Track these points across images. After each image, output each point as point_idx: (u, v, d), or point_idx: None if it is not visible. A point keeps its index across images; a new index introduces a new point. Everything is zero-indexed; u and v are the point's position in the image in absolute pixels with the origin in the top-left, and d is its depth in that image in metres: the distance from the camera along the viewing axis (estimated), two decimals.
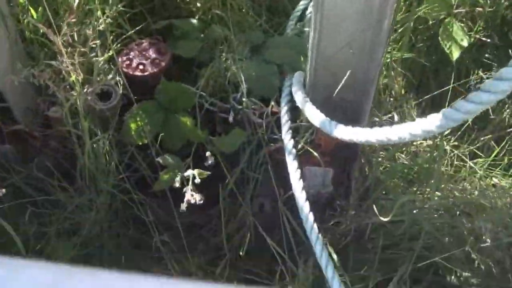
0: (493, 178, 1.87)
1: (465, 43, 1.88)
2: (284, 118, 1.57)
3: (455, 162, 1.88)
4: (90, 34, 1.41)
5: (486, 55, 2.05)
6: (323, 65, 1.38)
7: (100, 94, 1.56)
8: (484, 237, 1.53)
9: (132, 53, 1.66)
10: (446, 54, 1.94)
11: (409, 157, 1.88)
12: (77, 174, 1.62)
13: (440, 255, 1.62)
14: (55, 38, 1.37)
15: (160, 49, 1.68)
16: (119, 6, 1.65)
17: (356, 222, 1.66)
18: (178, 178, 1.53)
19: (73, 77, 1.38)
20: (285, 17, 2.06)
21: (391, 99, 1.98)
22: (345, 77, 1.36)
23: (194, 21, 1.83)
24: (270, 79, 1.67)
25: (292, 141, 1.53)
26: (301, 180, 1.48)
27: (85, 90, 1.44)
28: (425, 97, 1.94)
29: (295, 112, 1.59)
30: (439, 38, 1.90)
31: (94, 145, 1.54)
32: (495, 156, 1.81)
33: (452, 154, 1.86)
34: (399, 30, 1.92)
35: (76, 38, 1.43)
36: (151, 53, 1.66)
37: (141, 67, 1.63)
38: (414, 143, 1.88)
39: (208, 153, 1.56)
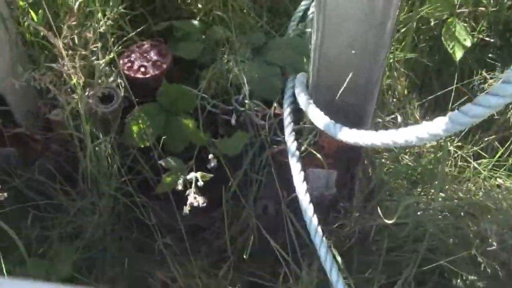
0: (498, 179, 1.85)
1: (468, 43, 1.87)
2: (287, 120, 1.56)
3: (459, 163, 1.87)
4: (90, 37, 1.39)
5: (489, 55, 2.04)
6: (326, 66, 1.37)
7: (102, 97, 1.55)
8: (490, 240, 1.52)
9: (133, 55, 1.65)
10: (449, 54, 1.93)
11: (413, 158, 1.87)
12: (79, 177, 1.62)
13: (445, 257, 1.61)
14: (56, 41, 1.36)
15: (162, 51, 1.67)
16: (120, 8, 1.64)
17: (360, 224, 1.65)
18: (180, 181, 1.52)
19: (74, 80, 1.37)
20: (286, 17, 2.05)
21: (394, 99, 1.97)
22: (348, 79, 1.35)
23: (195, 22, 1.82)
24: (272, 80, 1.65)
25: (295, 143, 1.52)
26: (305, 182, 1.47)
27: (86, 93, 1.43)
28: (428, 97, 1.93)
29: (298, 113, 1.58)
30: (442, 38, 1.89)
31: (96, 148, 1.54)
32: (499, 156, 1.80)
33: (456, 154, 1.85)
34: (402, 30, 1.91)
35: (76, 41, 1.42)
36: (153, 55, 1.65)
37: (142, 69, 1.62)
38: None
39: (210, 156, 1.55)
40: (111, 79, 1.53)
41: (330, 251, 1.40)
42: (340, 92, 1.37)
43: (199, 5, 1.86)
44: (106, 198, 1.61)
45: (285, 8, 2.08)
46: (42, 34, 1.45)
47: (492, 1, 1.93)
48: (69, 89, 1.40)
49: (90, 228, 1.64)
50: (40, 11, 1.54)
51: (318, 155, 1.54)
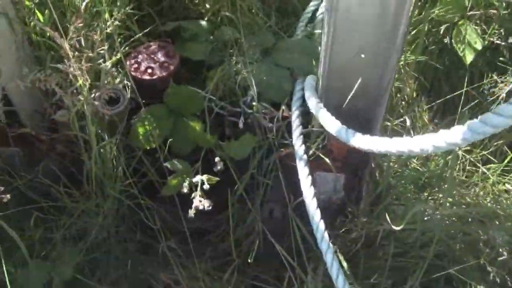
0: (506, 184, 1.84)
1: (479, 46, 1.85)
2: (295, 123, 1.54)
3: (467, 167, 1.85)
4: (97, 39, 1.37)
5: (501, 58, 2.01)
6: (336, 71, 1.35)
7: (108, 99, 1.53)
8: (499, 249, 1.50)
9: (140, 56, 1.63)
10: (458, 57, 1.91)
11: (421, 162, 1.85)
12: (84, 179, 1.60)
13: (452, 263, 1.60)
14: (62, 42, 1.34)
15: (169, 52, 1.65)
16: (127, 8, 1.62)
17: (367, 229, 1.63)
18: (186, 184, 1.51)
19: (80, 82, 1.35)
20: (294, 18, 2.03)
21: (403, 102, 1.95)
22: (358, 84, 1.33)
23: (203, 22, 1.80)
24: (281, 83, 1.63)
25: (303, 147, 1.50)
26: (312, 187, 1.45)
27: (92, 95, 1.41)
28: (438, 101, 1.91)
29: (306, 116, 1.56)
30: (453, 41, 1.87)
31: (101, 150, 1.52)
32: (508, 162, 1.78)
33: (464, 159, 1.83)
34: (412, 33, 1.88)
35: (83, 42, 1.40)
36: (160, 57, 1.63)
37: (149, 70, 1.60)
38: None
39: (217, 159, 1.54)
40: (118, 80, 1.50)
41: (337, 257, 1.38)
42: (350, 96, 1.35)
43: (207, 5, 1.84)
44: (110, 200, 1.60)
45: (294, 8, 2.06)
46: (48, 34, 1.43)
47: (504, 4, 1.90)
48: (75, 91, 1.38)
49: (94, 230, 1.62)
50: (46, 11, 1.52)
51: (326, 159, 1.53)
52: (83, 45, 1.39)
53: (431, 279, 1.59)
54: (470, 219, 1.73)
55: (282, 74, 1.66)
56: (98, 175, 1.55)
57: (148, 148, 1.58)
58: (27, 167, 1.71)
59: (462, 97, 1.84)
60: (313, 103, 1.43)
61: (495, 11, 1.91)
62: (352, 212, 1.65)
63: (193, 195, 1.49)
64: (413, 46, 1.88)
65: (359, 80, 1.33)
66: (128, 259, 1.71)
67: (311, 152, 1.53)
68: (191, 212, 1.47)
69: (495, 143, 1.89)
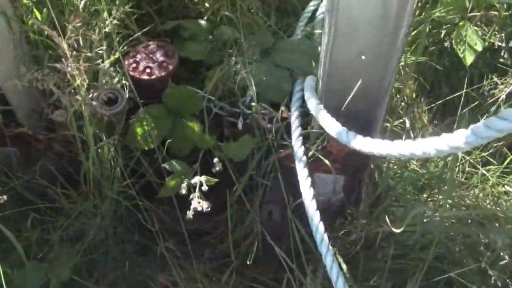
0: (506, 186, 1.83)
1: (479, 48, 1.84)
2: (295, 124, 1.53)
3: (467, 169, 1.84)
4: (95, 39, 1.36)
5: (501, 60, 2.01)
6: (336, 72, 1.34)
7: (107, 99, 1.51)
8: (500, 253, 1.49)
9: (139, 56, 1.62)
10: (458, 58, 1.90)
11: (420, 163, 1.84)
12: (81, 179, 1.59)
13: (452, 266, 1.59)
14: (60, 41, 1.33)
15: (168, 52, 1.63)
16: (126, 7, 1.61)
17: (366, 231, 1.62)
18: (184, 185, 1.50)
19: (78, 81, 1.34)
20: (294, 17, 2.02)
21: (402, 103, 1.94)
22: (359, 85, 1.32)
23: (203, 22, 1.78)
24: (281, 83, 1.62)
25: (302, 148, 1.49)
26: (312, 188, 1.44)
27: (90, 95, 1.40)
28: (437, 102, 1.90)
29: (306, 117, 1.55)
30: (453, 42, 1.86)
31: (99, 150, 1.50)
32: (508, 163, 1.77)
33: (463, 160, 1.83)
34: (412, 33, 1.87)
35: (81, 42, 1.38)
36: (159, 56, 1.62)
37: (148, 70, 1.59)
38: None
39: (216, 160, 1.53)
40: (116, 80, 1.49)
41: (336, 260, 1.37)
42: (350, 97, 1.34)
43: (207, 5, 1.82)
44: (108, 201, 1.58)
45: (293, 8, 2.05)
46: (46, 33, 1.42)
47: (505, 5, 1.89)
48: (72, 91, 1.36)
49: (92, 231, 1.61)
50: (44, 9, 1.50)
51: (326, 161, 1.52)
52: (81, 44, 1.38)
53: (431, 282, 1.58)
54: (469, 221, 1.72)
55: (282, 75, 1.65)
56: (96, 175, 1.53)
57: (146, 148, 1.57)
58: (24, 166, 1.70)
59: (462, 99, 1.83)
60: (313, 104, 1.42)
61: (495, 13, 1.90)
62: (352, 214, 1.64)
63: (191, 196, 1.48)
64: (413, 47, 1.87)
65: (359, 82, 1.32)
66: (126, 260, 1.70)
67: (310, 153, 1.52)
68: (190, 214, 1.46)
69: (495, 145, 1.88)
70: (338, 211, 1.66)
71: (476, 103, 1.88)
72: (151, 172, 1.60)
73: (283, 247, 1.61)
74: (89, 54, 1.35)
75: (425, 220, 1.66)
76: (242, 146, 1.56)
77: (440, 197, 1.73)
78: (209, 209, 1.46)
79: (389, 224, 1.49)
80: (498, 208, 1.75)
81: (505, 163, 1.78)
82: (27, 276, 1.55)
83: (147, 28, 1.70)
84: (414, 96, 1.99)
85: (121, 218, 1.68)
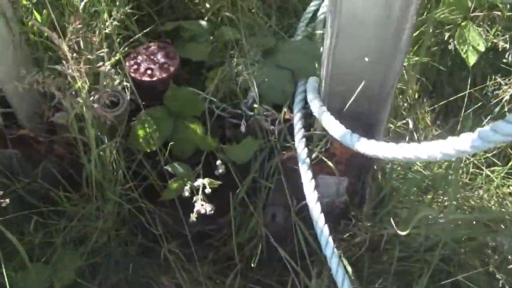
0: (510, 187, 1.82)
1: (482, 48, 1.83)
2: (297, 125, 1.51)
3: (471, 170, 1.83)
4: (96, 41, 1.34)
5: (504, 60, 1.99)
6: (340, 73, 1.33)
7: (110, 103, 1.50)
8: (508, 256, 1.48)
9: (140, 57, 1.60)
10: (461, 58, 1.88)
11: (424, 165, 1.83)
12: (83, 182, 1.57)
13: (458, 268, 1.58)
14: (60, 42, 1.31)
15: (169, 53, 1.62)
16: (126, 8, 1.59)
17: (371, 233, 1.61)
18: (187, 187, 1.48)
19: (79, 83, 1.33)
20: (295, 18, 2.01)
21: (405, 104, 1.93)
22: (362, 87, 1.31)
23: (203, 22, 1.77)
24: (283, 85, 1.61)
25: (306, 150, 1.48)
26: (315, 191, 1.43)
27: (91, 98, 1.38)
28: (440, 103, 1.89)
29: (309, 118, 1.54)
30: (455, 42, 1.85)
31: (101, 153, 1.49)
32: None
33: (468, 161, 1.81)
34: (415, 34, 1.86)
35: (82, 44, 1.37)
36: (160, 58, 1.60)
37: (149, 72, 1.57)
38: None
39: (218, 162, 1.51)
40: (117, 81, 1.47)
41: (342, 262, 1.36)
42: (353, 99, 1.33)
43: (207, 5, 1.81)
44: (111, 203, 1.57)
45: (294, 7, 2.04)
46: (46, 34, 1.40)
47: (508, 5, 1.88)
48: (73, 93, 1.35)
49: (95, 234, 1.59)
50: (44, 11, 1.49)
51: (329, 163, 1.50)
52: (82, 46, 1.36)
53: (437, 285, 1.56)
54: (474, 222, 1.71)
55: (284, 76, 1.63)
56: (98, 178, 1.52)
57: (148, 151, 1.55)
58: (25, 168, 1.69)
59: (466, 99, 1.82)
60: (316, 106, 1.41)
61: (498, 13, 1.89)
62: (356, 216, 1.63)
63: (194, 199, 1.47)
64: (415, 47, 1.85)
65: (362, 83, 1.31)
66: (129, 262, 1.69)
67: (313, 155, 1.51)
68: (193, 217, 1.45)
69: (499, 146, 1.87)
70: (341, 213, 1.64)
71: (479, 104, 1.87)
72: (153, 175, 1.59)
73: (287, 249, 1.60)
74: (90, 56, 1.33)
75: (429, 222, 1.65)
76: (245, 149, 1.54)
77: (445, 198, 1.71)
78: (212, 211, 1.45)
79: (394, 227, 1.47)
80: (503, 210, 1.74)
81: (510, 164, 1.77)
82: (31, 279, 1.54)
83: (148, 29, 1.68)
84: (416, 96, 1.97)
85: (123, 220, 1.67)
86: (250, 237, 1.67)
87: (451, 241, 1.59)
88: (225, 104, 1.62)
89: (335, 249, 1.36)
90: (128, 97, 1.52)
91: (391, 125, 1.80)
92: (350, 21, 1.22)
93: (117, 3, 1.58)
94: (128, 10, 1.62)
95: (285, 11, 2.04)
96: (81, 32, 1.38)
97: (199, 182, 1.48)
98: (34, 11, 1.52)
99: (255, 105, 1.57)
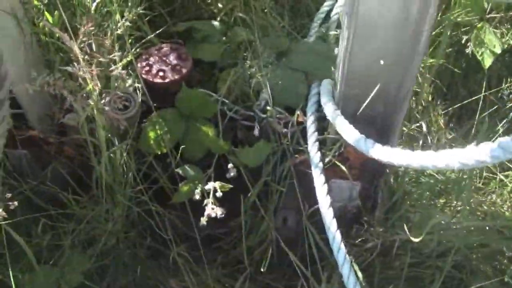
0: None
1: (498, 50, 1.80)
2: (311, 129, 1.49)
3: (484, 174, 1.80)
4: (108, 44, 1.33)
5: None
6: (355, 77, 1.31)
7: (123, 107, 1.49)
8: None
9: (152, 59, 1.59)
10: (476, 60, 1.85)
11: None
12: (93, 184, 1.56)
13: (470, 275, 1.55)
14: (72, 44, 1.30)
15: (181, 54, 1.60)
16: (138, 8, 1.57)
17: (383, 238, 1.58)
18: (198, 191, 1.47)
19: (90, 86, 1.31)
20: (308, 18, 1.99)
21: (419, 106, 1.90)
22: (378, 90, 1.29)
23: (216, 23, 1.75)
24: (296, 87, 1.59)
25: (319, 154, 1.46)
26: (328, 196, 1.41)
27: (102, 101, 1.37)
28: (455, 106, 1.86)
29: (322, 121, 1.52)
30: (471, 44, 1.82)
31: (111, 155, 1.48)
32: None
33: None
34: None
35: (94, 47, 1.35)
36: (172, 59, 1.59)
37: (161, 73, 1.56)
38: None
39: (230, 165, 1.49)
40: (129, 83, 1.46)
41: (353, 269, 1.34)
42: (368, 102, 1.31)
43: (220, 5, 1.79)
44: (120, 206, 1.55)
45: (307, 8, 2.02)
46: (57, 35, 1.39)
47: None
48: (84, 95, 1.33)
49: (104, 237, 1.58)
50: (55, 11, 1.47)
51: (343, 167, 1.48)
52: (94, 49, 1.35)
53: None
54: (487, 228, 1.68)
55: (297, 78, 1.61)
56: (108, 181, 1.51)
57: (159, 153, 1.54)
58: (35, 169, 1.68)
59: (480, 102, 1.79)
60: (330, 109, 1.39)
61: None
62: (368, 221, 1.60)
63: (205, 202, 1.45)
64: (430, 49, 1.83)
65: (378, 87, 1.29)
66: (138, 265, 1.68)
67: (327, 159, 1.49)
68: (203, 220, 1.43)
69: None
70: (354, 218, 1.62)
71: (495, 108, 1.84)
72: (164, 177, 1.57)
73: (298, 253, 1.59)
74: (101, 59, 1.31)
75: (442, 228, 1.62)
76: (258, 152, 1.53)
77: (458, 203, 1.69)
78: (223, 215, 1.43)
79: (407, 232, 1.45)
80: None
81: None
82: (38, 281, 1.53)
83: (160, 30, 1.66)
84: (430, 99, 1.95)
85: (132, 222, 1.66)
86: (261, 241, 1.65)
87: (463, 247, 1.57)
88: (238, 106, 1.60)
89: (347, 255, 1.34)
90: (140, 99, 1.50)
91: (405, 128, 1.77)
92: (366, 23, 1.20)
93: (129, 4, 1.56)
94: (140, 11, 1.60)
95: (298, 11, 2.02)
96: (93, 33, 1.36)
97: (210, 185, 1.46)
98: (46, 12, 1.50)
99: (268, 108, 1.55)
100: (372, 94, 1.30)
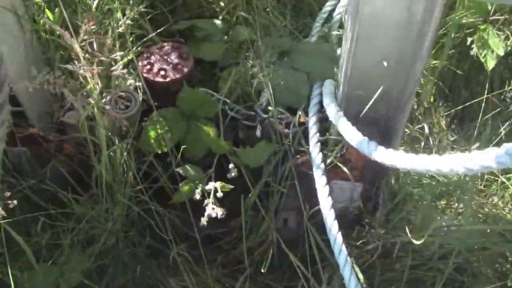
0: None
1: (501, 52, 1.79)
2: (312, 130, 1.49)
3: (486, 176, 1.80)
4: (109, 43, 1.32)
5: None
6: (358, 78, 1.30)
7: (124, 107, 1.48)
8: None
9: (153, 57, 1.58)
10: (479, 62, 1.84)
11: None
12: (93, 183, 1.55)
13: (471, 277, 1.55)
14: (73, 42, 1.29)
15: (183, 53, 1.59)
16: (140, 7, 1.56)
17: (384, 239, 1.58)
18: (199, 191, 1.46)
19: (90, 84, 1.30)
20: (310, 18, 1.98)
21: (421, 107, 1.89)
22: (381, 92, 1.28)
23: (218, 22, 1.74)
24: (298, 87, 1.58)
25: (320, 155, 1.45)
26: (330, 197, 1.40)
27: (103, 100, 1.36)
28: (457, 108, 1.86)
29: (324, 122, 1.51)
30: (474, 46, 1.81)
31: (111, 154, 1.47)
32: None
33: None
34: None
35: (95, 46, 1.34)
36: (173, 58, 1.58)
37: (162, 72, 1.55)
38: None
39: (231, 166, 1.49)
40: (129, 82, 1.45)
41: (354, 271, 1.33)
42: (372, 105, 1.30)
43: (222, 4, 1.78)
44: (120, 205, 1.54)
45: (309, 7, 2.01)
46: (58, 33, 1.38)
47: None
48: (85, 94, 1.32)
49: (103, 236, 1.57)
50: (56, 9, 1.46)
51: (344, 168, 1.47)
52: (95, 47, 1.34)
53: None
54: (488, 231, 1.67)
55: (299, 78, 1.60)
56: (108, 180, 1.50)
57: (159, 152, 1.53)
58: (34, 167, 1.67)
59: (483, 104, 1.78)
60: (332, 111, 1.38)
61: None
62: (369, 223, 1.60)
63: (205, 202, 1.44)
64: (433, 51, 1.82)
65: (381, 88, 1.28)
66: (137, 264, 1.67)
67: (328, 160, 1.48)
68: (204, 220, 1.42)
69: None
70: (355, 220, 1.62)
71: (497, 110, 1.83)
72: (164, 177, 1.56)
73: (298, 254, 1.58)
74: (102, 58, 1.30)
75: (443, 230, 1.62)
76: (259, 153, 1.52)
77: (460, 205, 1.68)
78: (223, 215, 1.42)
79: (408, 234, 1.44)
80: None
81: None
82: (37, 280, 1.52)
83: (161, 28, 1.65)
84: (432, 100, 1.94)
85: (132, 221, 1.65)
86: (261, 241, 1.64)
87: (464, 250, 1.56)
88: (239, 106, 1.59)
89: (348, 257, 1.34)
90: (140, 98, 1.49)
91: (406, 130, 1.77)
92: (370, 25, 1.19)
93: (131, 2, 1.55)
94: (142, 9, 1.59)
95: (300, 11, 2.01)
96: (94, 31, 1.35)
97: (211, 185, 1.45)
98: (46, 9, 1.49)
99: (270, 108, 1.54)
100: (375, 96, 1.29)
